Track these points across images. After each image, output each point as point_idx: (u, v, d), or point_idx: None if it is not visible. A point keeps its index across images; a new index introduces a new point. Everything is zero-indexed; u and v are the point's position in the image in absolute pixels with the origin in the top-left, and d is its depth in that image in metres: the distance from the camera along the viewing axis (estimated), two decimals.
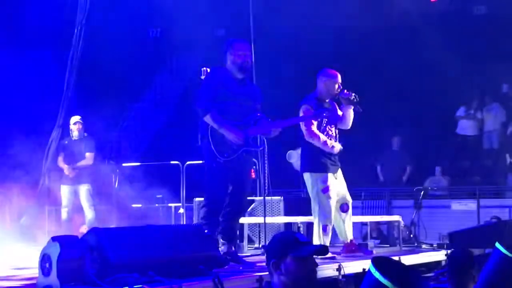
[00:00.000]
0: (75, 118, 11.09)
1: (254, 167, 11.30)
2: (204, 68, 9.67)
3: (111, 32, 15.24)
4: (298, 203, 11.48)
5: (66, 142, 11.13)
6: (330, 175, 7.46)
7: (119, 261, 4.89)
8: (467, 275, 4.70)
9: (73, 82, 11.57)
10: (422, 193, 12.09)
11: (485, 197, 13.83)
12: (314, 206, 7.49)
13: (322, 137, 7.42)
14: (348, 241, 7.72)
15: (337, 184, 7.59)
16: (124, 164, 13.30)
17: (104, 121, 13.09)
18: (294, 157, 13.07)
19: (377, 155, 15.71)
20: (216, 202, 6.51)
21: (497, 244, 3.90)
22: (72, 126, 11.06)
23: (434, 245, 9.46)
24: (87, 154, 11.12)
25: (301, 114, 7.48)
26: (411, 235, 10.75)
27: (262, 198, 9.22)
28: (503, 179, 15.14)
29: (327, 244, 7.38)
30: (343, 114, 7.66)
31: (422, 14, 16.20)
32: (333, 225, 7.57)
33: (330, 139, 7.50)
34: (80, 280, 4.76)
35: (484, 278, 3.94)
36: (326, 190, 7.40)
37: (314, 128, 7.40)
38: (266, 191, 9.39)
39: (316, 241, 7.32)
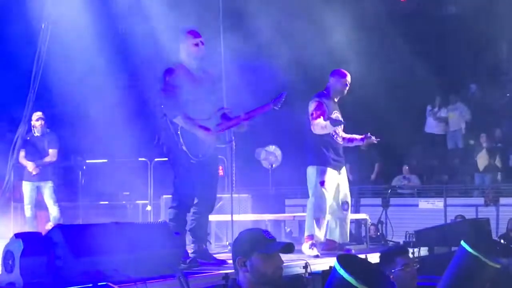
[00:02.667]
0: (37, 114, 10.92)
1: (222, 164, 11.31)
2: None
3: (79, 27, 15.06)
4: (266, 201, 11.51)
5: (29, 138, 10.94)
6: (330, 170, 7.48)
7: (84, 258, 4.83)
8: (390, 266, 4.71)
9: (40, 78, 11.40)
10: (389, 191, 12.14)
11: (452, 196, 13.96)
12: (311, 198, 7.47)
13: (321, 122, 7.34)
14: (341, 241, 7.71)
15: (341, 181, 7.64)
16: (91, 161, 13.18)
17: (70, 116, 12.96)
18: (263, 154, 13.06)
19: (346, 153, 15.70)
20: (186, 203, 6.43)
21: (463, 242, 3.95)
22: (34, 122, 10.90)
23: (400, 243, 9.49)
24: (51, 151, 10.98)
25: (311, 108, 7.44)
26: (378, 233, 10.80)
27: (229, 195, 9.18)
28: (470, 178, 15.26)
29: (321, 237, 7.41)
30: None
31: (390, 13, 16.23)
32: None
33: (335, 136, 7.61)
34: (43, 277, 4.70)
35: (449, 275, 3.99)
36: (322, 183, 7.40)
37: (321, 120, 7.34)
38: (234, 188, 9.36)
39: (309, 233, 7.32)
